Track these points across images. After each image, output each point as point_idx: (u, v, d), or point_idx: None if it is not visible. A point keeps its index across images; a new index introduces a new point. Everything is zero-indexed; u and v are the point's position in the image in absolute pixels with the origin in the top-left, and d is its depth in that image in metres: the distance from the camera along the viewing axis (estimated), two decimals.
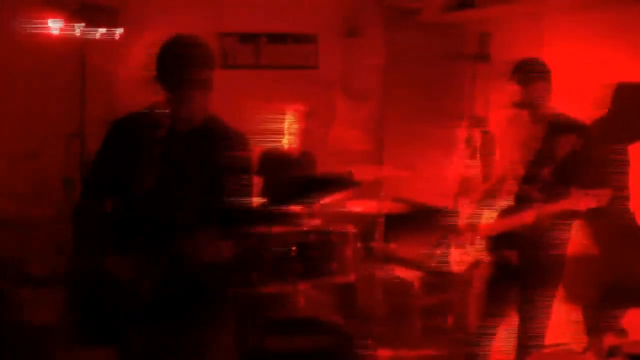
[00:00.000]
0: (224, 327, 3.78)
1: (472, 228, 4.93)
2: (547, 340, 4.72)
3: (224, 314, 3.78)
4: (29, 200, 6.01)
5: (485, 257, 4.85)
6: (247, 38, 6.71)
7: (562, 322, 5.29)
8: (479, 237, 4.89)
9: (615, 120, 5.20)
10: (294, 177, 5.65)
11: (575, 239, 5.12)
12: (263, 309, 5.17)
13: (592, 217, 5.09)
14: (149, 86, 3.54)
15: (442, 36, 6.66)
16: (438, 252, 5.13)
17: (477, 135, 5.78)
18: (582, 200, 4.34)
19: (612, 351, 4.41)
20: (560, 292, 5.28)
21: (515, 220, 4.62)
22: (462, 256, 5.01)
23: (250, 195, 3.71)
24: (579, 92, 5.30)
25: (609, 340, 4.65)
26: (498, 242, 4.80)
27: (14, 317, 5.40)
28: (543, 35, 5.81)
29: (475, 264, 4.96)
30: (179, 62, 3.46)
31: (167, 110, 3.52)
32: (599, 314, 5.17)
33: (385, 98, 6.87)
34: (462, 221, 5.02)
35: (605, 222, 5.15)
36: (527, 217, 4.52)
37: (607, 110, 5.23)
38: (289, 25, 6.79)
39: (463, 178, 5.23)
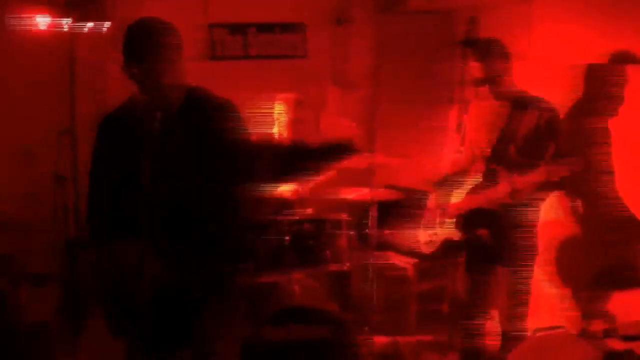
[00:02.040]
0: (230, 318, 3.81)
1: (442, 209, 5.00)
2: (543, 324, 4.73)
3: (230, 305, 3.81)
4: (24, 199, 6.00)
5: (455, 236, 4.90)
6: (236, 28, 6.68)
7: (557, 305, 5.30)
8: (448, 217, 4.96)
9: (589, 99, 5.25)
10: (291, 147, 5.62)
11: (566, 222, 5.15)
12: (258, 299, 5.17)
13: (576, 194, 5.16)
14: (123, 75, 3.58)
15: (432, 22, 6.67)
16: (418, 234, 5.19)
17: (467, 121, 5.78)
18: (554, 170, 4.42)
19: (608, 333, 4.43)
20: (554, 276, 5.32)
21: (488, 194, 4.71)
22: (431, 237, 5.05)
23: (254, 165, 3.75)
24: (567, 75, 5.31)
25: (597, 325, 4.67)
26: (468, 220, 4.87)
27: (11, 316, 5.40)
28: (532, 19, 5.81)
29: (446, 244, 5.00)
30: (143, 35, 3.56)
31: (144, 97, 3.58)
32: (591, 297, 5.19)
33: (375, 85, 6.84)
34: (431, 202, 5.06)
35: (592, 203, 5.19)
36: (501, 190, 4.60)
37: (580, 91, 5.28)
38: (277, 15, 6.78)
39: (454, 164, 5.22)
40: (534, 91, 4.78)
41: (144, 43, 3.54)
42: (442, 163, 5.23)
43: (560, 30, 5.55)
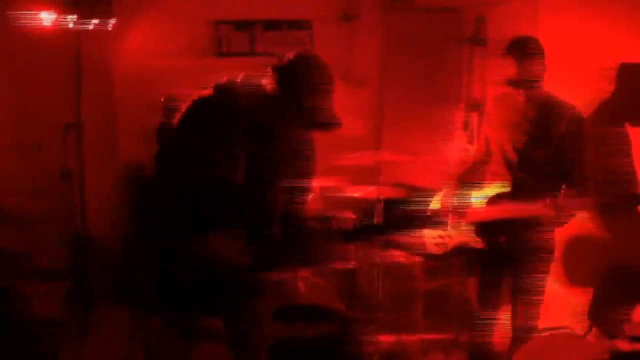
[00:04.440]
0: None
1: (458, 212, 4.90)
2: (549, 324, 4.72)
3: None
4: (31, 193, 6.01)
5: (476, 243, 4.83)
6: (242, 25, 6.66)
7: (563, 305, 5.29)
8: (465, 222, 4.87)
9: (619, 103, 5.19)
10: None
11: (579, 221, 5.12)
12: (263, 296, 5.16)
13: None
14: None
15: (440, 19, 6.64)
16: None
17: (474, 119, 5.76)
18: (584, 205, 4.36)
19: (614, 333, 4.42)
20: (561, 275, 5.29)
21: (525, 209, 4.51)
22: (442, 238, 5.00)
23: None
24: (575, 73, 5.29)
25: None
26: (486, 227, 4.78)
27: (18, 311, 5.41)
28: (538, 16, 5.79)
29: (461, 249, 4.95)
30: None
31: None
32: (603, 297, 5.18)
33: (382, 83, 6.83)
34: (443, 203, 5.00)
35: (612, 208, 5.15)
36: (543, 210, 4.38)
37: (610, 93, 5.22)
38: (283, 12, 6.75)
39: (461, 162, 5.20)
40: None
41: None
42: (449, 161, 5.21)
43: (568, 27, 5.52)
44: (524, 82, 4.65)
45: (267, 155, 3.92)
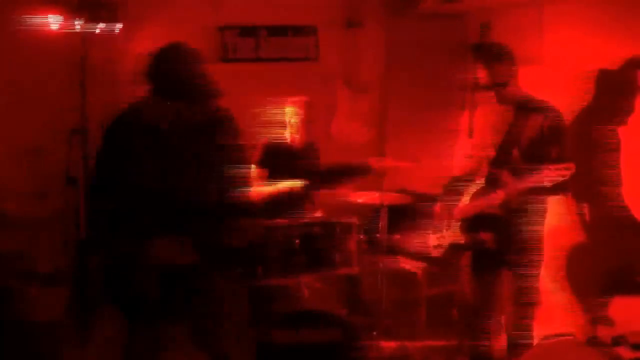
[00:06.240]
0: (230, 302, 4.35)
1: (448, 212, 5.00)
2: (552, 331, 4.72)
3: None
4: (34, 198, 6.01)
5: (459, 239, 4.91)
6: (247, 31, 6.67)
7: (566, 312, 5.30)
8: (454, 220, 4.98)
9: (599, 106, 5.25)
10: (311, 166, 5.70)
11: (575, 229, 5.15)
12: (268, 302, 5.17)
13: (583, 201, 5.16)
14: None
15: (443, 26, 6.66)
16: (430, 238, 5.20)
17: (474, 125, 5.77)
18: (545, 175, 4.40)
19: (617, 341, 4.42)
20: (564, 283, 5.30)
21: (484, 201, 4.74)
22: (439, 240, 5.06)
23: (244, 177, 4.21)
24: (578, 80, 5.31)
25: (601, 331, 4.67)
26: (472, 224, 4.89)
27: (19, 315, 5.42)
28: (542, 24, 5.81)
29: (452, 247, 5.01)
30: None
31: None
32: (599, 304, 5.19)
33: (386, 89, 6.85)
34: (439, 205, 5.07)
35: (598, 209, 5.19)
36: (496, 197, 4.64)
37: (591, 97, 5.28)
38: (288, 18, 6.77)
39: (465, 168, 5.22)
40: (545, 95, 4.77)
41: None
42: (453, 167, 5.23)
43: (571, 35, 5.55)
44: (493, 86, 4.78)
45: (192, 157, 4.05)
